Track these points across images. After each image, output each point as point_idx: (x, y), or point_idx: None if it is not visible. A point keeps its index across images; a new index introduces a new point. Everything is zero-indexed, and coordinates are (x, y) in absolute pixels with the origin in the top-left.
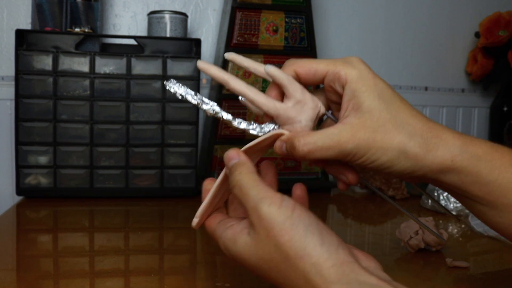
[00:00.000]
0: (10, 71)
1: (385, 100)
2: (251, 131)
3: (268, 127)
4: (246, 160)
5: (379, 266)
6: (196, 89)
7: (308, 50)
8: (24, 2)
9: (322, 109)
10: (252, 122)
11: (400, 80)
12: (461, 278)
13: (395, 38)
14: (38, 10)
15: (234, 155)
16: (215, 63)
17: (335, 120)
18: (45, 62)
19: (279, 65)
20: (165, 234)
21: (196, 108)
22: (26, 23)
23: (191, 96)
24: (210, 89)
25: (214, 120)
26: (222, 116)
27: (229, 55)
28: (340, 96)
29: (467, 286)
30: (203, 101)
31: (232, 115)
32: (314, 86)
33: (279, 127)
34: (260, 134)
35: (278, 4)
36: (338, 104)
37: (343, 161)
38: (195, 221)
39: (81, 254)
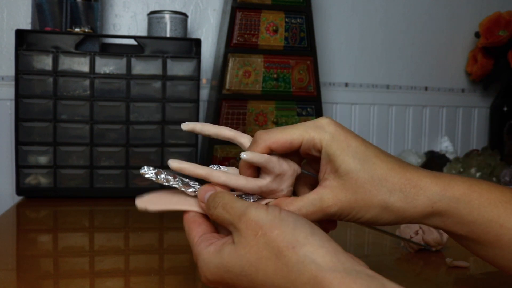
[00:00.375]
0: (10, 71)
1: (360, 159)
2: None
3: (253, 198)
4: (222, 189)
5: (367, 267)
6: (196, 89)
7: (308, 50)
8: (24, 2)
9: (298, 170)
10: (245, 195)
11: (400, 80)
12: (461, 278)
13: (395, 38)
14: (38, 10)
15: (209, 189)
16: (215, 63)
17: (310, 174)
18: (45, 62)
19: (279, 65)
20: (165, 234)
21: (196, 108)
22: (26, 23)
23: (172, 181)
24: (210, 89)
25: (214, 119)
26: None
27: (187, 126)
28: (317, 159)
29: (467, 286)
30: (186, 184)
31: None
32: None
33: (262, 198)
34: None
35: (278, 4)
36: (314, 161)
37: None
38: (142, 205)
39: (81, 254)
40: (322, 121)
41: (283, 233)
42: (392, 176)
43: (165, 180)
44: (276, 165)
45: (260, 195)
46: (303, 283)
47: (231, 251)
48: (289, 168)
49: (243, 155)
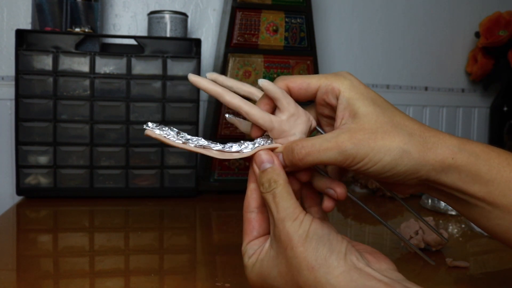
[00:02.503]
0: (10, 71)
1: (379, 105)
2: (244, 151)
3: (259, 143)
4: (281, 168)
5: (393, 266)
6: (196, 89)
7: (308, 50)
8: (24, 2)
9: (314, 123)
10: (242, 142)
11: (400, 80)
12: (461, 278)
13: (395, 38)
14: (38, 10)
15: (268, 159)
16: (215, 63)
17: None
18: (45, 62)
19: (279, 65)
20: (165, 234)
21: (196, 108)
22: (26, 23)
23: (173, 137)
24: None
25: (214, 120)
26: (212, 148)
27: (211, 75)
28: (333, 109)
29: (467, 286)
30: (187, 140)
31: (220, 143)
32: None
33: (271, 142)
34: (254, 151)
35: (278, 4)
36: (329, 119)
37: (336, 172)
38: (149, 132)
39: (81, 254)
40: (342, 72)
41: (305, 252)
42: (412, 123)
43: (168, 136)
44: (291, 103)
45: (270, 134)
46: None
47: (269, 260)
48: (304, 114)
49: (261, 81)
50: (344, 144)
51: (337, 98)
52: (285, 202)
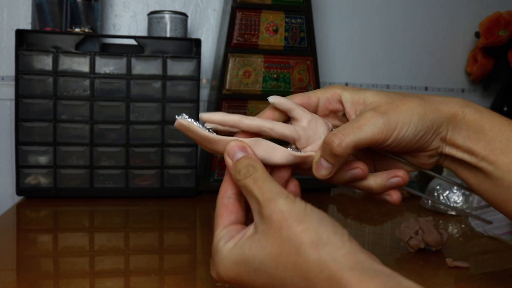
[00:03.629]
0: (10, 71)
1: (379, 91)
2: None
3: (293, 149)
4: (256, 156)
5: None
6: (197, 89)
7: (308, 50)
8: (24, 2)
9: (330, 124)
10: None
11: (400, 80)
12: (461, 278)
13: (395, 38)
14: (38, 10)
15: (241, 147)
16: (215, 63)
17: None
18: (45, 62)
19: (279, 65)
20: (165, 234)
21: (196, 108)
22: (26, 23)
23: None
24: (210, 89)
25: None
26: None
27: (209, 119)
28: (337, 117)
29: (467, 286)
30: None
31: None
32: None
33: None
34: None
35: (278, 4)
36: (335, 127)
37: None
38: (182, 121)
39: (81, 254)
40: (332, 85)
41: (308, 229)
42: (414, 93)
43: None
44: (305, 110)
45: (297, 145)
46: (321, 281)
47: (253, 243)
48: (319, 117)
49: (272, 98)
50: (374, 116)
51: (340, 102)
52: (269, 183)
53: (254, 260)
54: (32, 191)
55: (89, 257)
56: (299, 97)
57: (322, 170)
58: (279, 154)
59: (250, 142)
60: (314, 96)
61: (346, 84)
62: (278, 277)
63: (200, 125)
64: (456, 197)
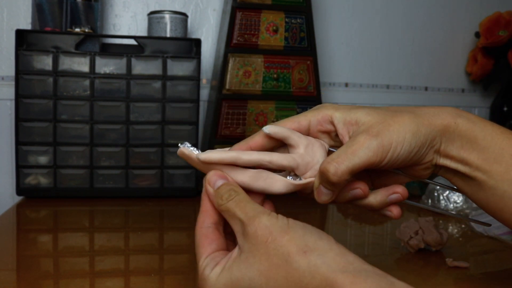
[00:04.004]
0: (10, 71)
1: (370, 108)
2: (275, 188)
3: (294, 178)
4: (236, 183)
5: None
6: (197, 89)
7: (308, 50)
8: (24, 2)
9: (326, 145)
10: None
11: (400, 80)
12: (461, 278)
13: (395, 38)
14: (38, 10)
15: (220, 175)
16: (215, 63)
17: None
18: (45, 62)
19: (279, 65)
20: (165, 234)
21: (196, 108)
22: (26, 23)
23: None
24: (210, 89)
25: (214, 119)
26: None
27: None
28: (330, 136)
29: (467, 286)
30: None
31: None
32: None
33: (301, 179)
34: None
35: (278, 4)
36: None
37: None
38: (184, 150)
39: (81, 254)
40: (321, 104)
41: (293, 239)
42: (405, 107)
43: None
44: (301, 135)
45: (296, 172)
46: (315, 286)
47: (240, 263)
48: (315, 140)
49: (266, 128)
50: (367, 140)
51: (331, 123)
52: (251, 204)
53: (244, 280)
54: (32, 191)
55: (89, 257)
56: (290, 122)
57: (323, 196)
58: (279, 184)
59: (252, 174)
60: (304, 120)
61: (346, 85)
62: None
63: (201, 153)
64: (456, 197)
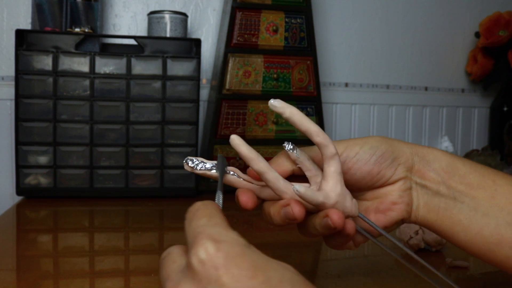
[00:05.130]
0: (10, 71)
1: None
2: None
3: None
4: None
5: None
6: (196, 89)
7: (308, 50)
8: (24, 2)
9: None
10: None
11: (400, 80)
12: (461, 278)
13: (395, 38)
14: (38, 10)
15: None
16: (215, 63)
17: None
18: (45, 62)
19: (279, 65)
20: (165, 234)
21: (196, 108)
22: (26, 23)
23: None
24: (210, 89)
25: (214, 119)
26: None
27: (274, 102)
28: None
29: (467, 286)
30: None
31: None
32: None
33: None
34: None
35: (278, 4)
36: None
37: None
38: (186, 167)
39: (81, 254)
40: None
41: None
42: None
43: (212, 168)
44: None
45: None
46: None
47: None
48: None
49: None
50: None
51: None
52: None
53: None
54: (32, 191)
55: (89, 257)
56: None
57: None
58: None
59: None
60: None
61: (346, 85)
62: None
63: (203, 166)
64: None
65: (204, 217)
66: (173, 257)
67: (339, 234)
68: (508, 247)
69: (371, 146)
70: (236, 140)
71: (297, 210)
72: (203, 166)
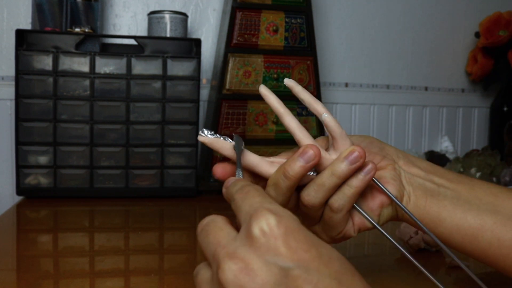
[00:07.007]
0: (10, 71)
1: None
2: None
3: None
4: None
5: None
6: (196, 89)
7: (308, 50)
8: (24, 2)
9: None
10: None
11: (400, 80)
12: (461, 278)
13: (395, 38)
14: (38, 10)
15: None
16: (215, 63)
17: None
18: (45, 62)
19: (279, 65)
20: (165, 234)
21: (196, 108)
22: (26, 23)
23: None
24: (210, 89)
25: (214, 119)
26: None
27: (289, 82)
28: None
29: (467, 286)
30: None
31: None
32: None
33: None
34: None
35: (278, 4)
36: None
37: None
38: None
39: (81, 254)
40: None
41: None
42: None
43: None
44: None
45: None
46: None
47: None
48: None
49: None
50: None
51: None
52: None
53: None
54: (32, 191)
55: (89, 257)
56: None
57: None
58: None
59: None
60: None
61: (346, 85)
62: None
63: (218, 137)
64: None
65: (258, 196)
66: (219, 224)
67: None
68: (490, 231)
69: (360, 136)
70: (263, 90)
71: (315, 148)
72: (219, 137)
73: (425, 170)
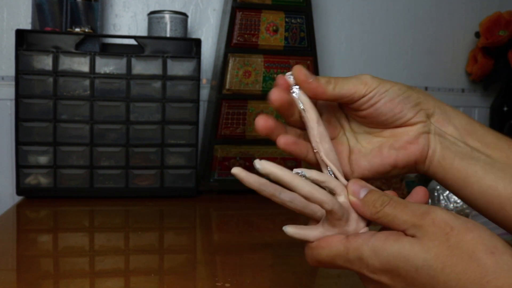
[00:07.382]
0: (10, 71)
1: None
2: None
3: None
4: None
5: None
6: (196, 89)
7: (308, 50)
8: (24, 2)
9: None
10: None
11: (400, 80)
12: None
13: (395, 38)
14: (38, 10)
15: (362, 184)
16: (215, 63)
17: None
18: (45, 62)
19: (279, 65)
20: (165, 234)
21: (196, 108)
22: (26, 23)
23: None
24: (210, 89)
25: (214, 119)
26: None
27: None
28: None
29: None
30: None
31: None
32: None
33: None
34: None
35: (278, 4)
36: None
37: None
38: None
39: (81, 254)
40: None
41: (480, 238)
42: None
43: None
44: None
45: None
46: (497, 286)
47: (414, 242)
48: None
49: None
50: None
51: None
52: (410, 204)
53: (416, 259)
54: (32, 191)
55: (89, 257)
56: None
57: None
58: None
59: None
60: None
61: None
62: (443, 280)
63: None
64: (456, 197)
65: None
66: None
67: None
68: None
69: (400, 87)
70: (264, 167)
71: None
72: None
73: (461, 129)
